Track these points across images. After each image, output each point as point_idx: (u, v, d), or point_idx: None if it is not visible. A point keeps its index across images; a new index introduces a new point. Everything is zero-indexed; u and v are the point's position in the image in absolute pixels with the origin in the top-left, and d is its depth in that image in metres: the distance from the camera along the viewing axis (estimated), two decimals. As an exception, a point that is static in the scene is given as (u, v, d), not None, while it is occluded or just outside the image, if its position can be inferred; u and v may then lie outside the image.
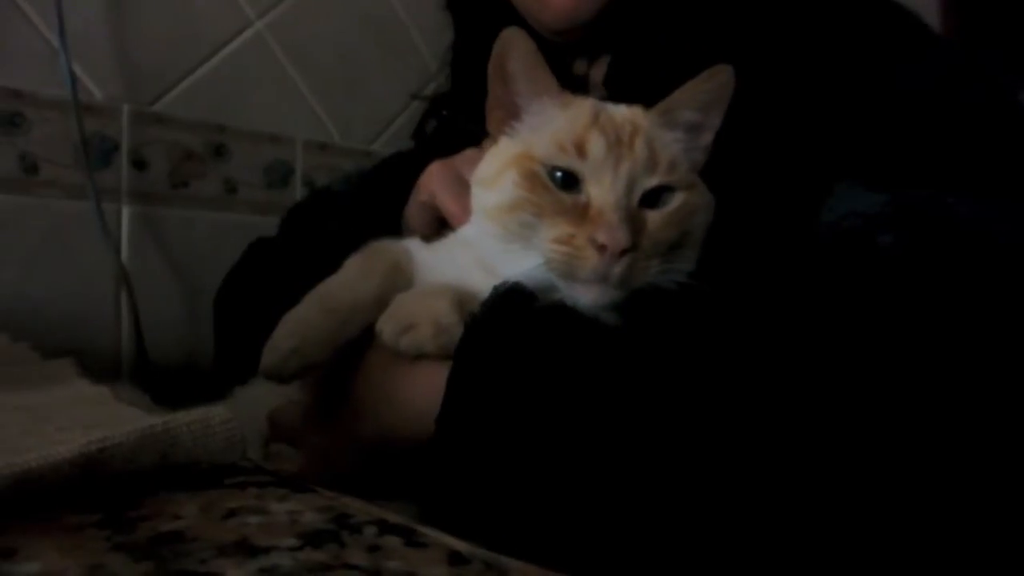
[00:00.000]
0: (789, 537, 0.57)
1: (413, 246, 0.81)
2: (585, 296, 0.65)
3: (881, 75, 0.79)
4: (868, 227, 0.68)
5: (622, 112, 0.71)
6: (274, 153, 1.62)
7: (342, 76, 1.72)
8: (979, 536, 0.56)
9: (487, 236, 0.71)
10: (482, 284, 0.69)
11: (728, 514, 0.57)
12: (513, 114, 0.74)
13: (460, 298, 0.68)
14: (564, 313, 0.65)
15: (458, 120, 1.09)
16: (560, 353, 0.63)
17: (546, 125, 0.71)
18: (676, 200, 0.68)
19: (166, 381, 1.37)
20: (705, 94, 0.71)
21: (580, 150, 0.67)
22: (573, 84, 0.96)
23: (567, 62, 1.03)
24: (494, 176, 0.72)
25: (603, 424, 0.59)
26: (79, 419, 0.57)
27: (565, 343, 0.63)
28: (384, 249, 0.79)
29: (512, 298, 0.66)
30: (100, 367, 1.30)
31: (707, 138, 0.73)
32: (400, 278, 0.75)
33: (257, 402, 0.83)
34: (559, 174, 0.67)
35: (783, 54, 0.83)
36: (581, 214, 0.65)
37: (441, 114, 1.15)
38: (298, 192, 1.65)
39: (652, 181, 0.68)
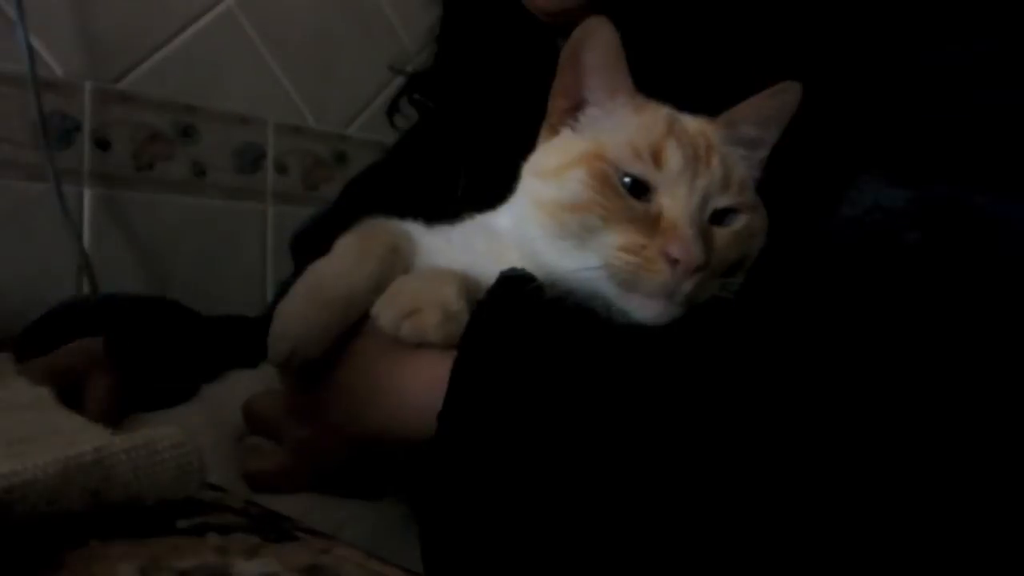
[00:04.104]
0: (815, 550, 0.50)
1: (414, 229, 0.73)
2: (645, 309, 0.60)
3: (905, 59, 0.72)
4: (893, 224, 0.63)
5: (694, 124, 0.67)
6: (245, 135, 1.52)
7: (316, 56, 1.63)
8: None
9: (535, 227, 0.66)
10: (495, 274, 0.61)
11: (744, 520, 0.51)
12: (578, 106, 0.69)
13: (467, 284, 0.62)
14: (575, 304, 0.60)
15: (433, 106, 1.08)
16: (576, 346, 0.57)
17: (617, 126, 0.66)
18: (741, 221, 0.65)
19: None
20: (770, 110, 0.67)
21: (656, 159, 0.62)
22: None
23: (560, 43, 0.95)
24: (556, 170, 0.66)
25: (619, 423, 0.53)
26: (6, 431, 0.45)
27: (580, 336, 0.57)
28: (380, 229, 0.71)
29: (521, 286, 0.60)
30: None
31: (763, 153, 0.69)
32: (399, 261, 0.67)
33: (229, 400, 0.76)
34: (627, 180, 0.63)
35: (796, 35, 0.76)
36: (651, 225, 0.61)
37: (414, 97, 1.10)
38: (269, 176, 1.55)
39: (724, 201, 0.64)
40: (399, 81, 1.15)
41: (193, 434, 0.44)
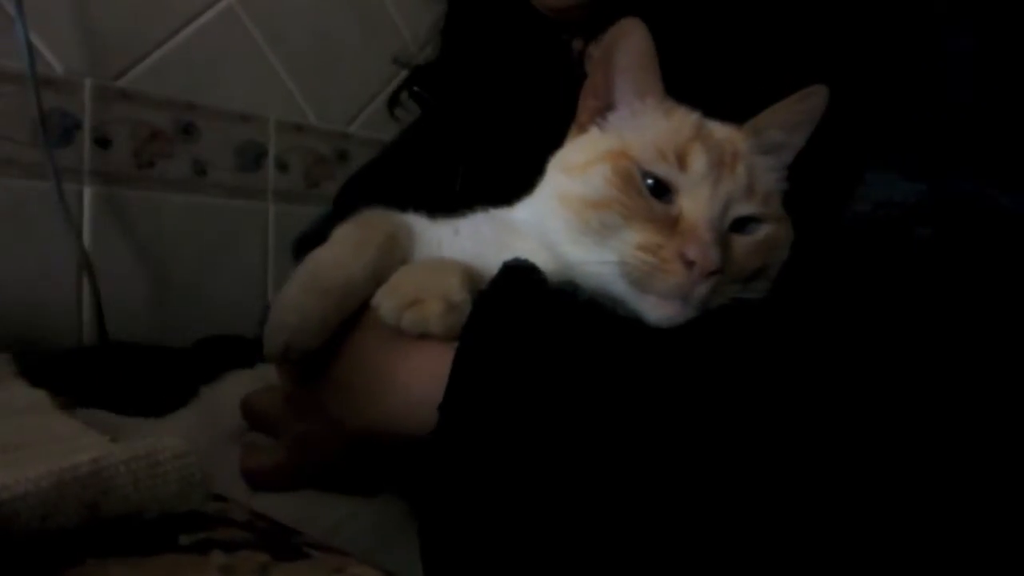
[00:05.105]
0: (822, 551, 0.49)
1: (415, 220, 0.71)
2: (658, 310, 0.59)
3: (915, 49, 0.71)
4: (905, 218, 0.63)
5: (721, 131, 0.66)
6: (246, 133, 1.49)
7: (318, 54, 1.60)
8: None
9: (557, 221, 0.65)
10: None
11: (748, 518, 0.50)
12: (607, 106, 0.68)
13: (470, 275, 0.61)
14: (578, 294, 0.60)
15: (434, 100, 1.07)
16: (579, 338, 0.56)
17: (644, 128, 0.66)
18: (763, 231, 0.64)
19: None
20: (797, 115, 0.66)
21: (681, 161, 0.62)
22: (570, 61, 0.94)
23: (565, 39, 0.97)
24: (581, 166, 0.66)
25: (621, 416, 0.51)
26: (2, 436, 0.43)
27: (584, 327, 0.57)
28: (379, 219, 0.70)
29: (525, 277, 0.59)
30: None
31: (788, 158, 0.68)
32: (397, 251, 0.66)
33: (227, 401, 0.74)
34: (650, 181, 0.62)
35: (805, 28, 0.75)
36: (671, 226, 0.60)
37: (414, 90, 1.10)
38: (271, 175, 1.52)
39: (747, 209, 0.63)
40: (401, 78, 1.14)
41: (193, 439, 0.42)
